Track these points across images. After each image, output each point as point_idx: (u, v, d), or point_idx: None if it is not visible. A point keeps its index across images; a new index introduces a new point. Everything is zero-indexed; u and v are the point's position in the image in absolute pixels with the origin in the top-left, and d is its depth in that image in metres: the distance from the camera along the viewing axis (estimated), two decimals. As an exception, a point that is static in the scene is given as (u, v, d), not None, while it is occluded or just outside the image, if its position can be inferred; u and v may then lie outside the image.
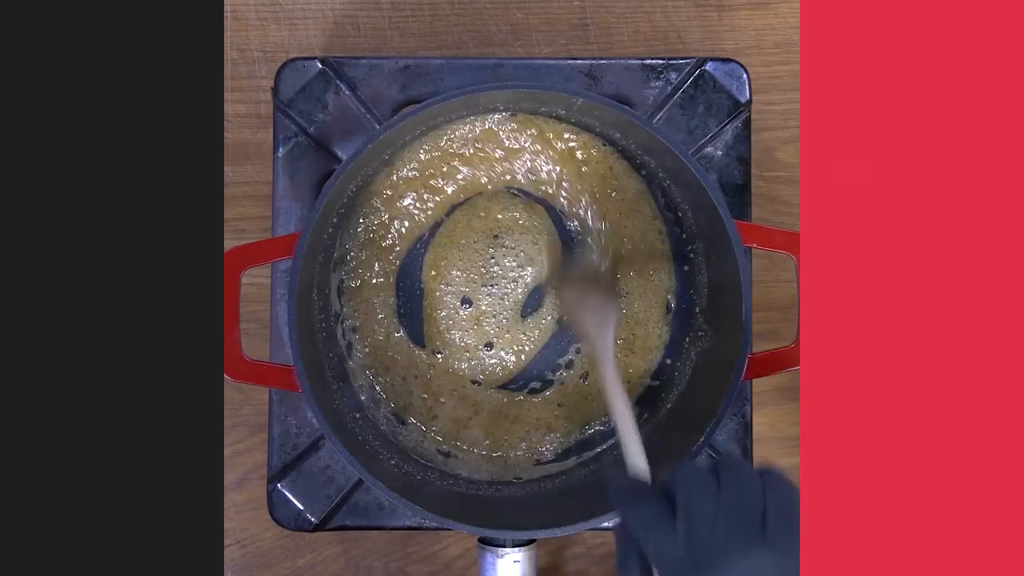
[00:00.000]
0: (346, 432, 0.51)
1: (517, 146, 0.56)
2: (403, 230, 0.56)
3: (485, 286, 0.57)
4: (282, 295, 0.56)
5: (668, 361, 0.57)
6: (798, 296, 0.50)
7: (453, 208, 0.57)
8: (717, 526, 0.36)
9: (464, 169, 0.56)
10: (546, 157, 0.56)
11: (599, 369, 0.48)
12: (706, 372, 0.54)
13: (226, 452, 0.60)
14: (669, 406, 0.55)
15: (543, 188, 0.57)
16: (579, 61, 0.57)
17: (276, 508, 0.56)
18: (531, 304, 0.57)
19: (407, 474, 0.53)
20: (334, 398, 0.52)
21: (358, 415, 0.54)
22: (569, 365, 0.57)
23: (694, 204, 0.53)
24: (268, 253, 0.50)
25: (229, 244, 0.58)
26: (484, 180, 0.56)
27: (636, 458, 0.43)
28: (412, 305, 0.57)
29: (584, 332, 0.54)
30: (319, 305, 0.54)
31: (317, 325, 0.54)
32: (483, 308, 0.57)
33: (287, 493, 0.56)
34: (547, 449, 0.57)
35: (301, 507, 0.56)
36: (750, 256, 0.56)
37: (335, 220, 0.53)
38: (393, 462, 0.53)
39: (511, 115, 0.55)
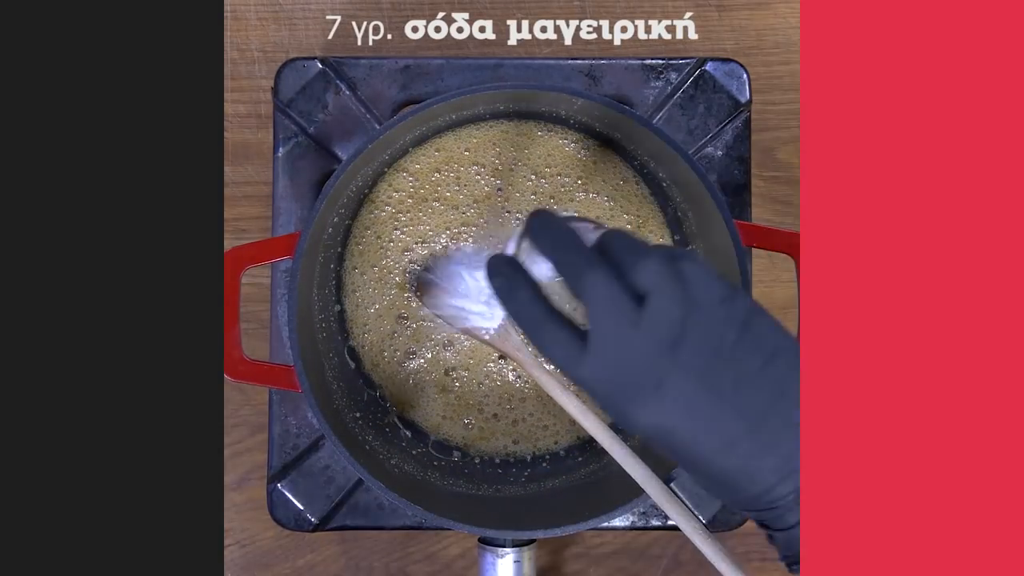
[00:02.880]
0: (346, 432, 0.51)
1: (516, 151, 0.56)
2: (403, 229, 0.56)
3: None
4: (282, 295, 0.56)
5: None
6: (798, 296, 0.50)
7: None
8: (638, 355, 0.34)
9: (463, 170, 0.56)
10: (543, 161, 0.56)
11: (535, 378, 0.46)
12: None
13: (226, 452, 0.60)
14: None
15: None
16: (579, 61, 0.57)
17: (276, 508, 0.56)
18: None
19: (407, 474, 0.53)
20: (334, 398, 0.52)
21: (358, 415, 0.54)
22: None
23: (694, 204, 0.53)
24: (268, 253, 0.50)
25: (229, 244, 0.58)
26: (483, 183, 0.56)
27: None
28: (412, 303, 0.57)
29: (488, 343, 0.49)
30: (319, 305, 0.54)
31: (317, 325, 0.54)
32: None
33: (287, 493, 0.56)
34: (550, 443, 0.57)
35: (301, 507, 0.56)
36: (750, 256, 0.56)
37: (335, 220, 0.53)
38: (393, 462, 0.53)
39: (520, 122, 0.55)
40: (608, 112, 0.50)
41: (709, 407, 0.33)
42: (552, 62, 0.57)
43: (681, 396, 0.33)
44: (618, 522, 0.56)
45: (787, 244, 0.50)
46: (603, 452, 0.56)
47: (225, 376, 0.48)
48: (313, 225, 0.48)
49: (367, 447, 0.52)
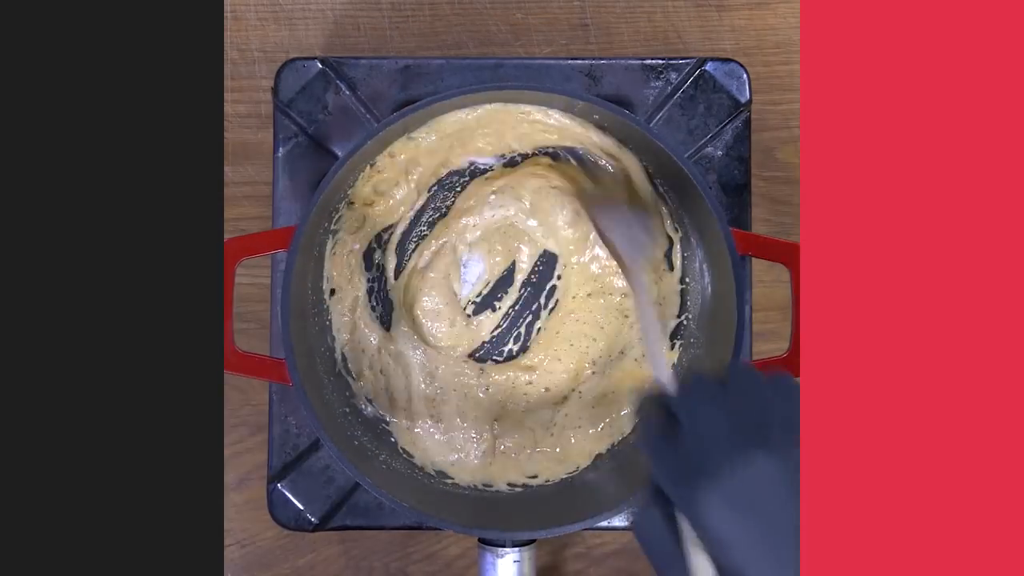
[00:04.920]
0: (336, 427, 0.51)
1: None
2: (396, 225, 0.56)
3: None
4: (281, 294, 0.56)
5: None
6: (792, 304, 0.50)
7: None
8: (719, 432, 0.35)
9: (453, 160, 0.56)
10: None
11: (632, 294, 0.47)
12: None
13: (226, 452, 0.60)
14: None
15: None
16: (579, 61, 0.57)
17: (276, 508, 0.56)
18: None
19: (395, 471, 0.53)
20: (324, 392, 0.52)
21: (347, 410, 0.54)
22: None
23: (690, 210, 0.53)
24: (265, 245, 0.50)
25: (229, 244, 0.58)
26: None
27: (660, 371, 0.42)
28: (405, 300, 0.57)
29: (616, 255, 0.51)
30: (312, 299, 0.54)
31: (310, 319, 0.54)
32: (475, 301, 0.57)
33: (287, 493, 0.56)
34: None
35: (301, 507, 0.56)
36: (749, 264, 0.56)
37: (332, 214, 0.53)
38: (382, 458, 0.53)
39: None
40: (607, 114, 0.50)
41: None
42: (552, 62, 0.57)
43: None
44: (618, 522, 0.56)
45: (783, 255, 0.50)
46: (602, 454, 0.56)
47: (224, 374, 0.48)
48: (309, 219, 0.48)
49: (356, 442, 0.52)
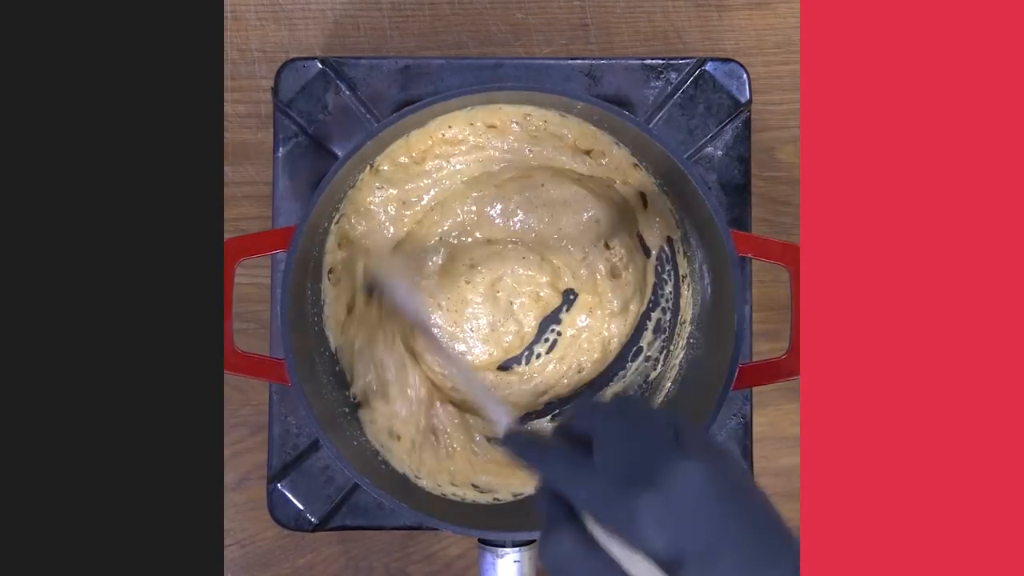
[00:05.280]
0: (335, 427, 0.51)
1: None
2: (391, 225, 0.56)
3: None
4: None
5: (655, 366, 0.57)
6: (791, 306, 0.50)
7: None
8: (635, 445, 0.35)
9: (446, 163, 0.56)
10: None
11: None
12: (695, 380, 0.53)
13: (226, 452, 0.60)
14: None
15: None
16: (579, 61, 0.57)
17: (276, 508, 0.56)
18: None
19: (394, 471, 0.53)
20: (324, 392, 0.52)
21: (347, 410, 0.54)
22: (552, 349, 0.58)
23: (690, 211, 0.53)
24: (265, 245, 0.50)
25: (229, 244, 0.58)
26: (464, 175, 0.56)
27: (500, 415, 0.42)
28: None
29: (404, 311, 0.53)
30: (312, 299, 0.54)
31: (310, 319, 0.54)
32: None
33: (287, 493, 0.56)
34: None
35: (301, 507, 0.56)
36: (749, 265, 0.55)
37: (331, 214, 0.53)
38: (380, 458, 0.53)
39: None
40: (605, 115, 0.50)
41: None
42: (552, 62, 0.57)
43: None
44: (618, 522, 0.56)
45: (783, 255, 0.50)
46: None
47: (224, 375, 0.48)
48: (309, 219, 0.48)
49: (355, 442, 0.52)
